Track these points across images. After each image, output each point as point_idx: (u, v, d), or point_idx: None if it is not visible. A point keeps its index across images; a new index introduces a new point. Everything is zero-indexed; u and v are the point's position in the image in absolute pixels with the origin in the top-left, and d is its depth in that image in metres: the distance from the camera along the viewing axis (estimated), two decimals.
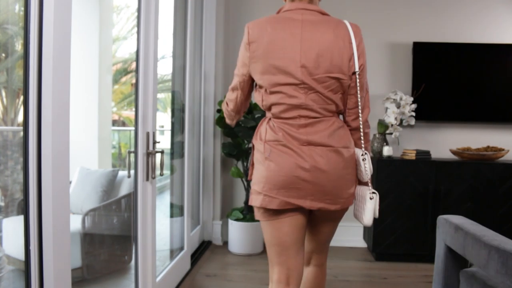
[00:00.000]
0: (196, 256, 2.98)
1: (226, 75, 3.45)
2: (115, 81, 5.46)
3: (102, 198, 2.81)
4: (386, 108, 3.23)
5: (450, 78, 3.34)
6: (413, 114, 3.22)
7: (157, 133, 2.04)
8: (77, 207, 2.78)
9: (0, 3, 2.19)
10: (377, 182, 3.05)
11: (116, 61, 5.45)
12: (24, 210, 1.17)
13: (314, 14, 1.39)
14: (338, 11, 3.38)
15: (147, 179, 1.90)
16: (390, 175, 3.04)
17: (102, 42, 3.91)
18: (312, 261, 1.61)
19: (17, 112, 2.75)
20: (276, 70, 1.35)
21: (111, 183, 2.90)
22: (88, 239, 2.53)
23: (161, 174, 1.96)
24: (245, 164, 3.24)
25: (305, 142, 1.35)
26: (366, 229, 3.39)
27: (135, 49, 1.93)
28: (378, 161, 3.07)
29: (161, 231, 2.60)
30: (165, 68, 3.24)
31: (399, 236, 3.05)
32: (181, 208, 2.71)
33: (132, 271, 2.14)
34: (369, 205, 1.38)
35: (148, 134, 1.89)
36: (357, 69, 1.39)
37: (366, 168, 1.38)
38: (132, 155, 1.85)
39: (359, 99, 1.41)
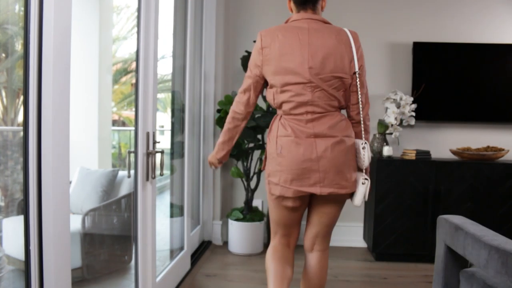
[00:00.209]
0: (196, 256, 2.98)
1: (226, 75, 3.45)
2: (115, 81, 5.45)
3: (102, 198, 2.81)
4: (386, 108, 3.23)
5: (450, 78, 3.34)
6: (413, 114, 3.22)
7: (157, 133, 2.04)
8: (77, 207, 2.78)
9: (0, 3, 2.19)
10: (377, 182, 3.04)
11: (116, 61, 5.44)
12: (24, 210, 1.17)
13: (318, 23, 1.61)
14: (338, 11, 3.38)
15: (147, 179, 1.90)
16: (390, 175, 3.04)
17: (102, 42, 3.90)
18: (315, 247, 1.77)
19: (17, 112, 2.74)
20: (287, 71, 1.56)
21: (111, 183, 2.90)
22: (88, 239, 2.53)
23: (161, 174, 1.97)
24: (245, 164, 3.24)
25: (312, 134, 1.56)
26: (366, 229, 3.39)
27: (135, 49, 1.93)
28: (378, 161, 3.06)
29: (161, 231, 2.60)
30: (165, 68, 3.24)
31: (399, 236, 3.05)
32: (181, 208, 2.71)
33: (132, 271, 2.14)
34: (361, 189, 1.62)
35: (148, 134, 1.90)
36: (357, 69, 1.60)
37: (365, 155, 1.60)
38: (132, 155, 1.85)
39: (359, 96, 1.62)
